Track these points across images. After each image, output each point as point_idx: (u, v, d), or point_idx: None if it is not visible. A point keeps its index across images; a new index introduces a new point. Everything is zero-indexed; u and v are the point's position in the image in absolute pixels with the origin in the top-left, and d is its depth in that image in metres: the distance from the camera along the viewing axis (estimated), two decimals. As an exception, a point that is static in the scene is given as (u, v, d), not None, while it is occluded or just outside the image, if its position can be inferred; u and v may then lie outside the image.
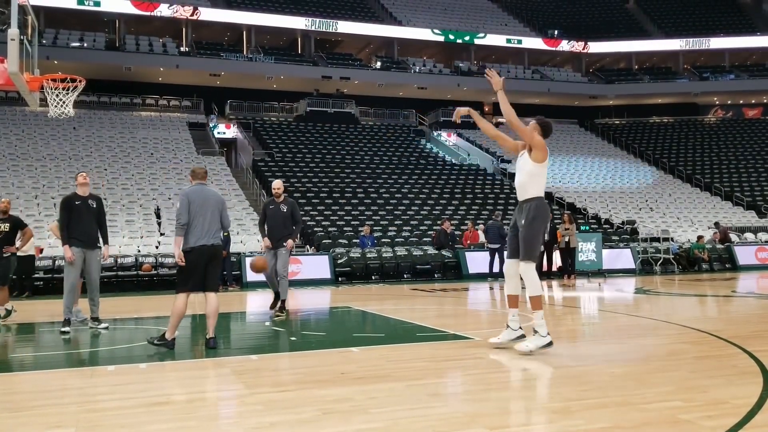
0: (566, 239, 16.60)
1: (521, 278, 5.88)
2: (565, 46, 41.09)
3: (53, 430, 3.67)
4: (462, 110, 6.30)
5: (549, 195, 27.52)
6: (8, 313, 9.51)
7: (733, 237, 23.53)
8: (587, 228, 21.85)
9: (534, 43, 40.78)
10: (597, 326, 8.03)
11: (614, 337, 6.94)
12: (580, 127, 39.31)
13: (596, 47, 41.72)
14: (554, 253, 17.71)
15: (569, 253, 16.75)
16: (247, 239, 19.03)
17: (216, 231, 6.61)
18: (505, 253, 6.10)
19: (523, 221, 5.77)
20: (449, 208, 24.55)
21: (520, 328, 6.01)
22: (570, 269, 16.69)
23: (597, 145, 36.34)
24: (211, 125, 31.39)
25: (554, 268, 17.83)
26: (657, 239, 21.19)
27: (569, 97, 39.84)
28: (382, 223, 22.37)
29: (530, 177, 5.79)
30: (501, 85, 5.99)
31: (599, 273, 18.78)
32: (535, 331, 5.67)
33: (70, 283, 8.10)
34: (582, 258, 18.55)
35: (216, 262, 6.63)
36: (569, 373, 4.98)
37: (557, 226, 17.15)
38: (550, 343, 5.68)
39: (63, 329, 7.92)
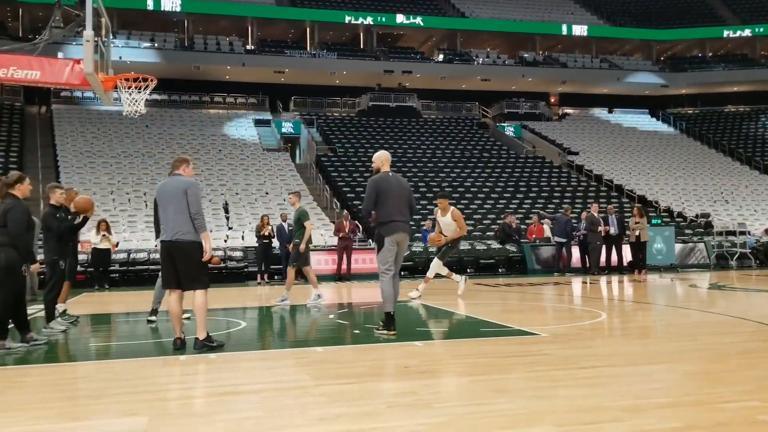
0: (637, 233, 16.12)
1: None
2: (634, 34, 39.83)
3: (128, 417, 3.81)
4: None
5: (619, 187, 26.79)
6: (65, 314, 8.34)
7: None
8: (659, 221, 21.18)
9: (602, 31, 39.71)
10: (669, 323, 7.77)
11: (687, 334, 6.70)
12: (651, 116, 38.12)
13: (667, 35, 40.27)
14: (624, 248, 17.24)
15: (640, 247, 16.26)
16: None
17: (179, 225, 6.02)
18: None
19: None
20: (513, 201, 24.21)
21: None
22: (641, 264, 16.21)
23: (669, 135, 35.13)
24: (275, 122, 31.96)
25: (624, 263, 17.38)
26: (733, 233, 20.34)
27: (639, 87, 38.64)
28: (445, 217, 22.20)
29: None
30: None
31: (671, 268, 18.17)
32: None
33: None
34: (653, 252, 17.99)
35: (180, 259, 6.01)
36: (640, 371, 4.84)
37: (627, 220, 16.68)
38: None
39: (150, 318, 8.13)
